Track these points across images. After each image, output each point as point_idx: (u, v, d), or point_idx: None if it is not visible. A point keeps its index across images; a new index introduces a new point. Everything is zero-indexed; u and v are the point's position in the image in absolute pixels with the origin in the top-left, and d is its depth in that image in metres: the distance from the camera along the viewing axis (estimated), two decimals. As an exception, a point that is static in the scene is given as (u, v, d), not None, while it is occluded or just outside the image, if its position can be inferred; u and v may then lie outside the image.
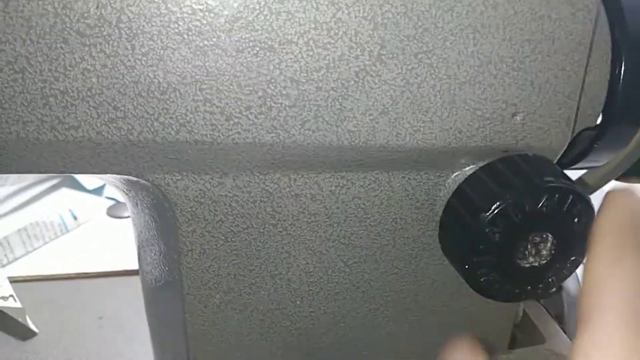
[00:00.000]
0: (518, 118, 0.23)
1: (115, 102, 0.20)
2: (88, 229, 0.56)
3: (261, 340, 0.27)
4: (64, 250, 0.52)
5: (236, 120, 0.21)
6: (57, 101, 0.19)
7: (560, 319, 0.33)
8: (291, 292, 0.26)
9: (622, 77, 0.25)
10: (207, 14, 0.19)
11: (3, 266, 0.49)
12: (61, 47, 0.19)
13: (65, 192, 0.61)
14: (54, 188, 0.62)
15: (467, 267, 0.22)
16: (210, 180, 0.23)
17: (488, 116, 0.22)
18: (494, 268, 0.22)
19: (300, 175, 0.23)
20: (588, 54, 0.23)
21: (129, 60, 0.19)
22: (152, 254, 0.27)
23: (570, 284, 0.33)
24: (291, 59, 0.20)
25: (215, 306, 0.25)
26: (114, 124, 0.20)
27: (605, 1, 0.25)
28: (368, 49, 0.21)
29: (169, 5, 0.19)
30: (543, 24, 0.22)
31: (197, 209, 0.23)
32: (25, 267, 0.50)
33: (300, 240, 0.25)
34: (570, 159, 0.27)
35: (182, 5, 0.19)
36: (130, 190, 0.25)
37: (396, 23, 0.20)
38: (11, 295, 0.46)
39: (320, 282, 0.26)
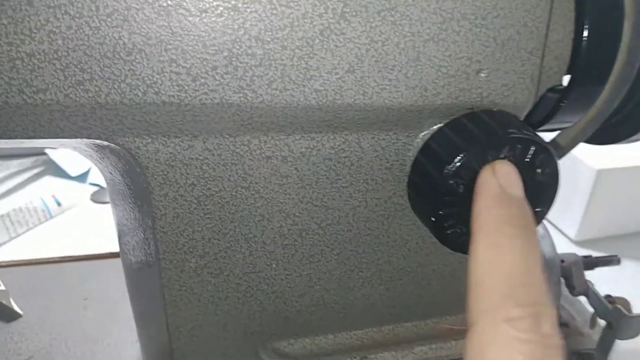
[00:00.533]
0: (482, 75, 0.23)
1: (82, 64, 0.20)
2: (72, 215, 0.56)
3: (238, 304, 0.27)
4: (47, 235, 0.52)
5: (203, 80, 0.21)
6: (24, 64, 0.20)
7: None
8: (266, 255, 0.26)
9: (586, 35, 0.26)
10: (168, -28, 0.19)
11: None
12: (26, 10, 0.19)
13: (49, 179, 0.61)
14: (37, 176, 0.62)
15: (434, 220, 0.22)
16: (180, 143, 0.23)
17: (452, 73, 0.23)
18: (459, 220, 0.22)
19: (270, 137, 0.24)
20: (550, 9, 0.23)
21: (94, 22, 0.19)
22: (129, 223, 0.27)
23: (544, 245, 0.34)
24: (255, 17, 0.20)
25: (191, 270, 0.26)
26: (82, 86, 0.20)
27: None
28: (331, 6, 0.21)
29: (130, -36, 0.19)
30: (505, -21, 0.22)
31: (168, 172, 0.23)
32: (9, 253, 0.50)
33: (273, 203, 0.25)
34: (539, 119, 0.28)
35: (143, -37, 0.19)
36: (103, 159, 0.26)
37: (358, -20, 0.21)
38: (-6, 280, 0.46)
39: (294, 245, 0.26)
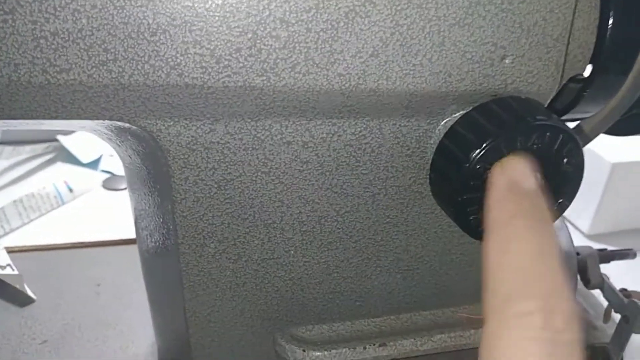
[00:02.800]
0: (507, 61, 0.23)
1: (105, 44, 0.20)
2: (84, 201, 0.56)
3: (255, 290, 0.27)
4: (60, 221, 0.52)
5: (226, 62, 0.21)
6: (48, 43, 0.19)
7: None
8: (285, 242, 0.26)
9: (610, 23, 0.25)
10: (195, -48, 0.19)
11: (0, 237, 0.49)
12: (50, -13, 0.19)
13: (60, 166, 0.61)
14: (49, 162, 0.62)
15: (457, 204, 0.22)
16: (201, 126, 0.23)
17: (477, 59, 0.23)
18: (482, 206, 0.22)
19: (291, 122, 0.23)
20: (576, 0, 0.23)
21: (118, 0, 0.19)
22: (147, 208, 0.27)
23: (561, 238, 0.34)
24: (280, -1, 0.20)
25: (209, 255, 0.26)
26: (105, 67, 0.20)
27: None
28: (357, -11, 0.21)
29: (157, -58, 0.19)
30: (531, -36, 0.22)
31: (189, 155, 0.23)
32: (21, 238, 0.50)
33: (292, 189, 0.25)
34: (561, 107, 0.27)
35: (170, -58, 0.19)
36: (122, 142, 0.25)
37: (385, -38, 0.20)
38: (8, 265, 0.46)
39: (313, 232, 0.26)
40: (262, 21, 0.20)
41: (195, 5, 0.20)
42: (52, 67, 0.20)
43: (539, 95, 0.24)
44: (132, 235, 0.50)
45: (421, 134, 0.25)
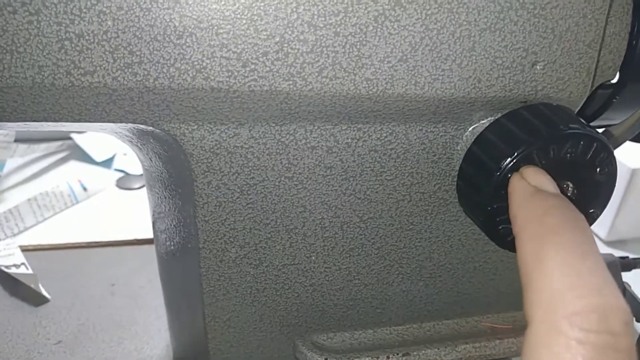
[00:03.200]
0: (538, 67, 0.22)
1: (131, 47, 0.19)
2: (98, 200, 0.55)
3: (276, 296, 0.27)
4: (74, 220, 0.52)
5: (253, 66, 0.20)
6: (73, 45, 0.19)
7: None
8: (306, 247, 0.26)
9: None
10: (224, -46, 0.19)
11: (14, 235, 0.49)
12: (76, -12, 0.18)
13: (74, 164, 0.61)
14: (62, 160, 0.62)
15: (486, 213, 0.21)
16: (226, 130, 0.22)
17: (508, 65, 0.22)
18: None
19: (316, 127, 0.23)
20: (608, 8, 0.22)
21: (145, 2, 0.19)
22: (166, 210, 0.27)
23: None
24: (309, 2, 0.20)
25: (230, 260, 0.25)
26: (130, 69, 0.20)
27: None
28: (387, -8, 0.20)
29: (186, -56, 0.18)
30: (565, -32, 0.21)
31: (212, 160, 0.23)
32: (36, 237, 0.50)
33: (316, 194, 0.25)
34: (590, 114, 0.27)
35: (199, -56, 0.19)
36: (144, 144, 0.25)
37: (416, -35, 0.20)
38: (23, 263, 0.46)
39: (335, 237, 0.26)
40: (290, 24, 0.20)
41: (223, 8, 0.19)
42: (76, 69, 0.20)
43: (570, 102, 0.24)
44: (146, 235, 0.50)
45: (448, 140, 0.24)
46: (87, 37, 0.19)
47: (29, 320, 0.41)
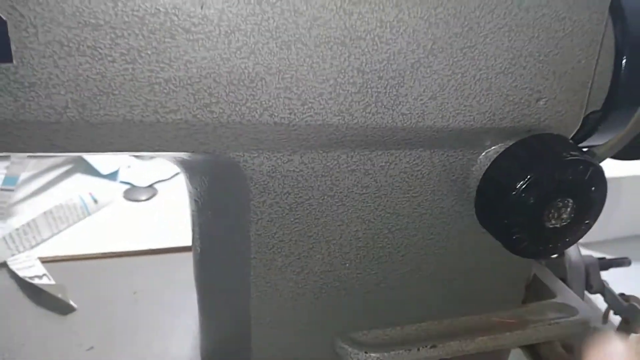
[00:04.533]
0: (541, 102, 0.27)
1: (210, 89, 0.23)
2: (108, 212, 0.58)
3: (314, 299, 0.30)
4: (88, 231, 0.55)
5: (310, 105, 0.24)
6: (161, 88, 0.22)
7: (564, 281, 0.37)
8: (342, 256, 0.30)
9: (622, 69, 0.30)
10: (292, 13, 0.23)
11: (32, 247, 0.51)
12: (168, 42, 0.22)
13: (80, 177, 0.64)
14: (68, 173, 0.64)
15: (503, 225, 0.26)
16: (281, 157, 0.26)
17: (517, 101, 0.27)
18: (524, 227, 0.26)
19: (356, 153, 0.27)
20: (599, 49, 0.27)
21: (225, 54, 0.22)
22: (216, 224, 0.30)
23: (571, 250, 0.38)
24: (359, 52, 0.24)
25: (277, 269, 0.29)
26: (208, 108, 0.23)
27: (611, 5, 0.29)
28: (422, 44, 0.24)
29: (262, 6, 0.22)
30: (565, 24, 0.26)
31: (268, 182, 0.27)
32: (53, 249, 0.52)
33: (352, 210, 0.28)
34: (579, 137, 0.31)
35: (273, 5, 0.22)
36: (202, 167, 0.29)
37: (447, 22, 0.24)
38: (44, 274, 0.48)
39: (367, 247, 0.30)
40: (343, 70, 0.24)
41: (289, 57, 0.23)
42: (162, 108, 0.23)
43: (566, 130, 0.28)
44: (159, 244, 0.53)
45: (465, 162, 0.28)
46: (173, 82, 0.22)
47: (59, 328, 0.43)
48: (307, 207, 0.28)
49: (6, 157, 0.58)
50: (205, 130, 0.24)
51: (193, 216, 0.33)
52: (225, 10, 0.22)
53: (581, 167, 0.25)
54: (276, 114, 0.24)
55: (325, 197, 0.28)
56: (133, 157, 0.66)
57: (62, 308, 0.45)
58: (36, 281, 0.46)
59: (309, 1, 0.23)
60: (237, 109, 0.24)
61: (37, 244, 0.52)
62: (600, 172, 0.26)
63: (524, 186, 0.25)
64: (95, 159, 0.64)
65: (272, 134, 0.25)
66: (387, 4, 0.23)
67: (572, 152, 0.25)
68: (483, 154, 0.28)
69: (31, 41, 0.20)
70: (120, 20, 0.21)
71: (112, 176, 0.63)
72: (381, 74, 0.24)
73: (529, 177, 0.25)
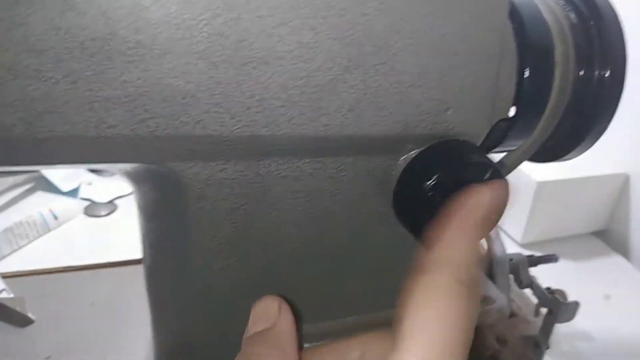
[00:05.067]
0: (449, 112, 0.30)
1: (146, 106, 0.26)
2: (68, 227, 0.59)
3: (254, 297, 0.33)
4: (47, 247, 0.56)
5: (239, 118, 0.27)
6: (101, 106, 0.25)
7: (489, 276, 0.41)
8: (278, 257, 0.32)
9: (524, 79, 0.33)
10: (218, 37, 0.25)
11: (-8, 263, 0.53)
12: (106, 64, 0.24)
13: (41, 195, 0.65)
14: (30, 191, 0.65)
15: (414, 221, 0.29)
16: (215, 166, 0.29)
17: (428, 111, 0.30)
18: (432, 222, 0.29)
19: (285, 160, 0.30)
20: (498, 63, 0.31)
21: (159, 74, 0.25)
22: (160, 231, 0.33)
23: (496, 247, 0.41)
24: (281, 70, 0.27)
25: (218, 269, 0.31)
26: (145, 123, 0.26)
27: (511, 18, 0.33)
28: (338, 62, 0.27)
29: (191, 32, 0.25)
30: (465, 42, 0.29)
31: (204, 190, 0.29)
32: (12, 264, 0.53)
33: (285, 213, 0.31)
34: (491, 144, 0.35)
35: (200, 31, 0.25)
36: (144, 177, 0.31)
37: (359, 43, 0.27)
38: (4, 289, 0.49)
39: (300, 248, 0.32)
40: (267, 86, 0.27)
41: (217, 75, 0.26)
42: (103, 123, 0.25)
43: (474, 137, 0.32)
44: (118, 258, 0.55)
45: (386, 167, 0.32)
46: (112, 100, 0.25)
47: (16, 339, 0.45)
48: (243, 212, 0.30)
49: (-35, 177, 0.59)
50: (143, 143, 0.27)
51: (141, 227, 0.35)
52: (157, 35, 0.25)
53: (479, 169, 0.28)
54: (208, 127, 0.27)
55: (259, 202, 0.30)
56: (93, 174, 0.67)
57: (21, 321, 0.46)
58: (-5, 296, 0.47)
59: (233, 26, 0.25)
60: (170, 123, 0.26)
61: (-3, 261, 0.54)
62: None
63: (430, 186, 0.28)
64: (55, 177, 0.65)
65: (206, 145, 0.27)
66: (303, 27, 0.26)
67: (473, 156, 0.28)
68: (402, 158, 0.31)
69: (-22, 65, 0.23)
70: (62, 45, 0.24)
71: (73, 193, 0.65)
72: (303, 90, 0.27)
73: (434, 178, 0.28)
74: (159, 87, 0.25)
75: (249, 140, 0.28)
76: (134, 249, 0.56)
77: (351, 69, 0.28)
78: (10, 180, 0.63)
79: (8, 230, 0.54)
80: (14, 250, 0.55)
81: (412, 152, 0.31)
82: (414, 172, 0.30)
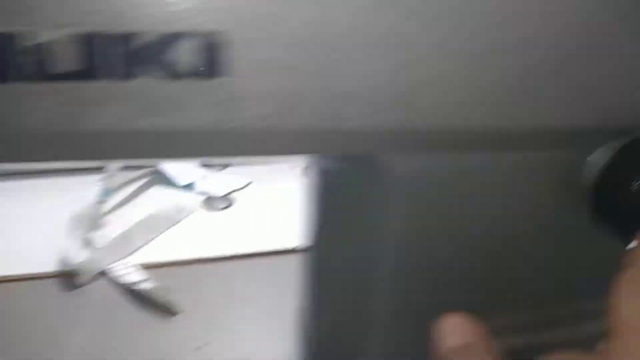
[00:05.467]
0: None
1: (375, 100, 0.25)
2: (190, 221, 0.61)
3: (438, 294, 0.33)
4: (176, 239, 0.58)
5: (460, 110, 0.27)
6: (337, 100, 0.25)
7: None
8: (467, 253, 0.32)
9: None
10: (454, 31, 0.25)
11: (128, 255, 0.54)
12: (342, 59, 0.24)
13: (158, 189, 0.67)
14: (147, 185, 0.67)
15: (622, 223, 0.28)
16: (420, 158, 0.29)
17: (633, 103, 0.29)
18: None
19: (483, 154, 0.29)
20: None
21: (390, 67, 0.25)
22: (347, 223, 0.33)
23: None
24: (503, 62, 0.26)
25: (407, 264, 0.31)
26: (373, 117, 0.26)
27: None
28: (554, 54, 0.27)
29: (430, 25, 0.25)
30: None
31: (411, 184, 0.29)
32: (146, 256, 0.55)
33: (480, 209, 0.31)
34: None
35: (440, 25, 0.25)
36: (342, 168, 0.31)
37: (578, 35, 0.27)
38: (146, 279, 0.51)
39: (492, 244, 0.32)
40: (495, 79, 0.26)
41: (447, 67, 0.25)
42: (337, 117, 0.25)
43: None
44: (245, 250, 0.55)
45: (573, 162, 0.30)
46: (348, 95, 0.25)
47: (163, 329, 0.46)
48: (439, 206, 0.30)
49: (99, 170, 0.61)
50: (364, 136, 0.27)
51: (316, 218, 0.35)
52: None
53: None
54: (428, 120, 0.26)
55: (455, 197, 0.30)
56: (205, 169, 0.69)
57: (167, 311, 0.48)
58: (140, 286, 0.49)
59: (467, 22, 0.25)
60: (400, 116, 0.26)
61: (131, 253, 0.55)
62: None
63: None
64: (172, 171, 0.66)
65: (421, 135, 0.27)
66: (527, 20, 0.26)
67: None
68: (594, 153, 0.30)
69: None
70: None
71: (189, 187, 0.66)
72: (522, 82, 0.27)
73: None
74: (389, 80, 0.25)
75: (460, 132, 0.27)
76: (259, 240, 0.56)
77: (570, 58, 0.27)
78: (131, 175, 0.64)
79: (141, 223, 0.55)
80: (146, 242, 0.56)
81: (601, 148, 0.30)
82: (617, 169, 0.29)
